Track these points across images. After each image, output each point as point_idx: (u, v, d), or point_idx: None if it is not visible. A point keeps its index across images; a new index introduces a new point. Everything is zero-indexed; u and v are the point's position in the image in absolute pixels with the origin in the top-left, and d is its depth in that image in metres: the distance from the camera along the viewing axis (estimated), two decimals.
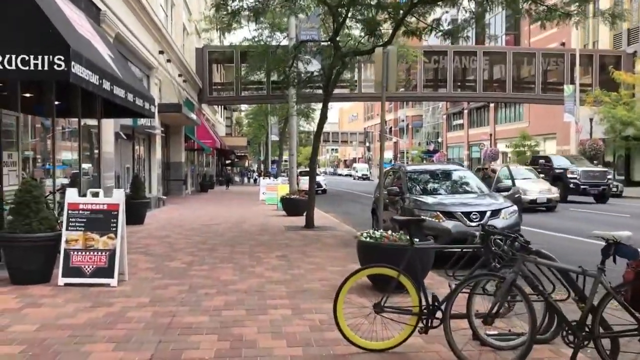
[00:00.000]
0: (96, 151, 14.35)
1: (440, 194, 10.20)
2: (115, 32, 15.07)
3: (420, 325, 4.50)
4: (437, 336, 4.64)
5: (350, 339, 4.52)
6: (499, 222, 9.04)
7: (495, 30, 59.56)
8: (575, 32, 42.64)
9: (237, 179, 62.04)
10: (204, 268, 8.32)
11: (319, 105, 46.40)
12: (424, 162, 75.24)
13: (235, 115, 74.33)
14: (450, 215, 9.07)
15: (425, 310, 4.50)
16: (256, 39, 25.58)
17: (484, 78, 40.17)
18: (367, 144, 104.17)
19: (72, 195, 7.00)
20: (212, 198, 28.77)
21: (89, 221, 6.93)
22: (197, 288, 6.92)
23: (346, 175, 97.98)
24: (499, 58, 40.08)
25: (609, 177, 26.15)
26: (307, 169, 40.74)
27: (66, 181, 12.27)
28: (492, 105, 60.14)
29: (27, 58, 7.02)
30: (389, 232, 7.04)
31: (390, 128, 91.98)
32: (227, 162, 61.62)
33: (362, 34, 13.44)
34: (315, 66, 15.49)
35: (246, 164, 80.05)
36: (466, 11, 12.84)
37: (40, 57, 7.05)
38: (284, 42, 22.90)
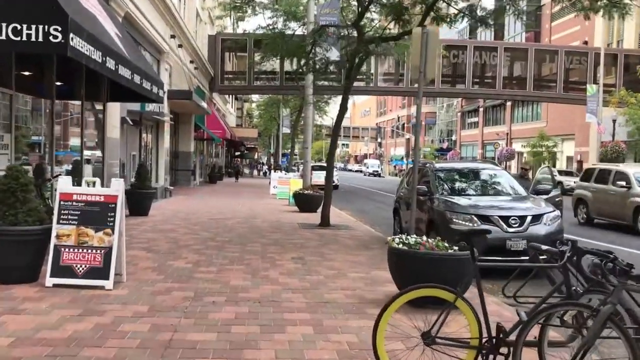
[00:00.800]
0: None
1: (473, 194, 9.26)
2: (124, 11, 14.22)
3: None
4: None
5: None
6: (541, 229, 8.13)
7: (515, 27, 58.29)
8: (599, 30, 41.42)
9: (246, 171, 61.25)
10: (211, 270, 7.46)
11: (333, 99, 45.60)
12: (435, 159, 74.21)
13: (247, 106, 73.54)
14: (485, 219, 8.14)
15: (486, 344, 3.61)
16: (270, 27, 24.79)
17: (503, 75, 39.01)
18: (379, 140, 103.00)
19: (64, 184, 6.15)
20: (220, 190, 27.96)
21: (83, 214, 6.08)
22: (203, 295, 6.06)
23: (356, 170, 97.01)
24: (520, 55, 38.92)
25: None
26: (320, 164, 40.00)
27: (65, 169, 11.46)
28: (508, 103, 58.88)
29: (19, 27, 6.19)
30: (424, 237, 6.13)
31: (403, 124, 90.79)
32: (237, 153, 60.87)
33: (387, 18, 12.46)
34: (334, 54, 14.56)
35: (256, 156, 79.26)
36: None
37: (34, 27, 6.21)
38: (299, 32, 21.96)
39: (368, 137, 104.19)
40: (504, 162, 52.35)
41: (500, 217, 8.11)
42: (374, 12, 14.14)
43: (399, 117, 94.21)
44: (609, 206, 15.52)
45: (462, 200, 8.76)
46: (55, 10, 6.28)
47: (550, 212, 8.37)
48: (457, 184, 9.61)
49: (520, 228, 8.03)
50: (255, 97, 65.98)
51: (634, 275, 3.34)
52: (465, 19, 12.44)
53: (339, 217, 15.82)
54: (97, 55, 7.26)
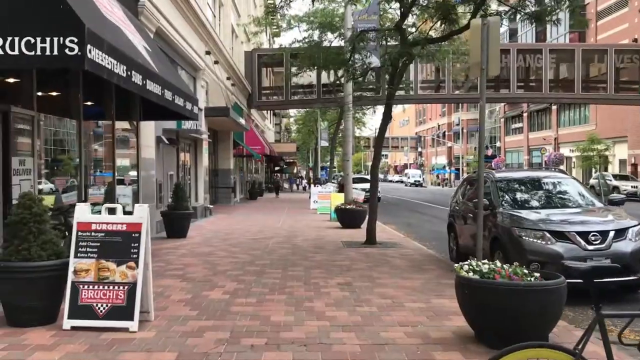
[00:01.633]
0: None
1: (542, 207, 8.20)
2: (155, 26, 13.75)
3: None
4: None
5: None
6: (626, 246, 7.04)
7: (557, 29, 56.36)
8: None
9: (285, 185, 60.77)
10: (250, 301, 6.66)
11: (372, 110, 44.59)
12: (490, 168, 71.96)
13: (285, 121, 73.39)
14: (560, 235, 7.10)
15: None
16: (307, 40, 24.17)
17: (549, 77, 37.38)
18: (419, 149, 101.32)
19: (82, 212, 5.46)
20: (261, 206, 27.35)
21: (103, 246, 5.38)
22: (240, 335, 5.25)
23: (397, 181, 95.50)
24: (566, 56, 37.23)
25: None
26: (359, 176, 39.04)
27: (98, 192, 10.92)
28: (554, 107, 56.83)
29: (32, 41, 5.58)
30: (497, 263, 5.18)
31: (444, 132, 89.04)
32: (276, 168, 60.53)
33: (432, 19, 11.56)
34: (374, 60, 13.72)
35: (295, 171, 78.86)
36: None
37: (48, 40, 5.59)
38: (336, 43, 21.21)
39: (408, 147, 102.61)
40: (553, 169, 50.36)
41: (578, 232, 7.06)
42: (415, 14, 13.22)
43: (439, 125, 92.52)
44: None
45: (531, 214, 7.72)
46: (71, 19, 5.65)
47: (635, 225, 7.26)
48: (522, 196, 8.55)
49: (602, 245, 6.97)
50: (292, 112, 65.82)
51: None
52: (517, 16, 11.40)
53: (384, 232, 14.89)
54: (120, 69, 6.62)
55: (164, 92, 8.78)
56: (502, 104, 68.52)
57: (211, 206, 21.46)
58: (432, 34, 12.08)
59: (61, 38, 5.60)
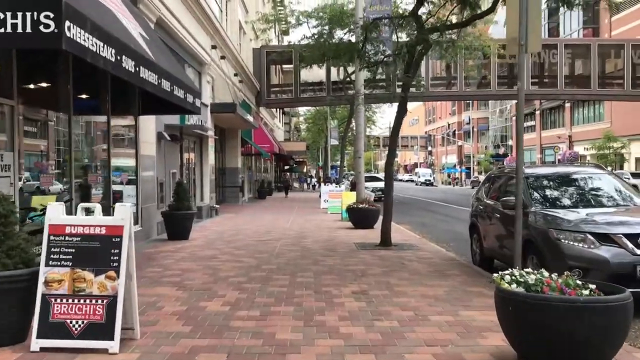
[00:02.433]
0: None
1: (581, 206, 7.32)
2: (156, 16, 12.99)
3: None
4: None
5: None
6: None
7: (571, 25, 55.22)
8: None
9: (295, 184, 59.99)
10: (252, 315, 5.85)
11: (384, 108, 43.71)
12: (491, 165, 70.81)
13: (294, 120, 72.66)
14: (605, 238, 6.24)
15: None
16: (316, 36, 23.34)
17: (564, 74, 36.31)
18: (429, 148, 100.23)
19: (54, 212, 4.68)
20: (270, 206, 26.57)
21: (78, 252, 4.60)
22: (239, 358, 4.45)
23: (407, 180, 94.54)
24: (581, 51, 36.18)
25: None
26: (370, 174, 38.11)
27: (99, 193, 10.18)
28: (567, 104, 55.66)
29: (1, 16, 4.82)
30: (544, 272, 4.33)
31: (454, 131, 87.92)
32: (286, 167, 59.82)
33: (451, 1, 10.71)
34: (387, 49, 12.90)
35: (305, 170, 78.13)
36: None
37: (20, 15, 4.83)
38: (346, 38, 20.39)
39: (417, 146, 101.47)
40: (588, 163, 49.26)
41: (625, 235, 6.18)
42: (431, 1, 12.35)
43: (449, 124, 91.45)
44: None
45: (568, 214, 6.84)
46: None
47: None
48: (556, 193, 7.65)
49: None
50: (302, 110, 65.06)
51: None
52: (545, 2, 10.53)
53: (399, 233, 14.04)
54: (108, 53, 5.85)
55: (161, 82, 8.02)
56: (514, 102, 67.40)
57: (217, 206, 20.71)
58: (453, 19, 11.22)
59: (35, 13, 4.85)
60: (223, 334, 5.11)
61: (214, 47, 20.18)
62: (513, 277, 4.27)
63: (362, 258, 9.82)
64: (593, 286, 4.18)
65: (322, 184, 30.16)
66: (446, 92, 37.83)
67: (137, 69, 6.83)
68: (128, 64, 6.49)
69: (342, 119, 44.90)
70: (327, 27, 23.45)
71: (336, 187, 23.80)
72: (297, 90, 34.80)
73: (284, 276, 8.06)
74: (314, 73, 33.84)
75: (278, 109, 48.91)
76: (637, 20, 43.84)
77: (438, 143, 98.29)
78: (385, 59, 11.90)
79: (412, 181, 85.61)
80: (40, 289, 4.54)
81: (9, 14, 4.85)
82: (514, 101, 65.32)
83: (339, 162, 39.15)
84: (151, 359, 4.40)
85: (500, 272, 4.42)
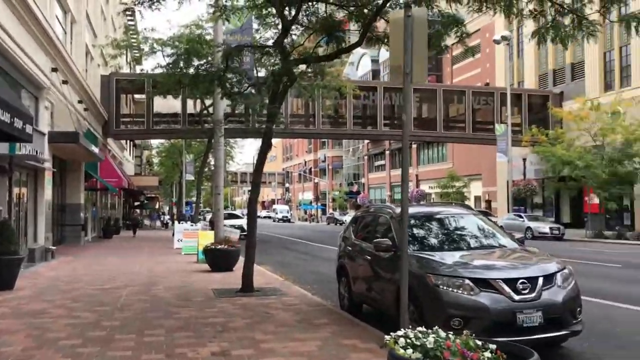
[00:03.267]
0: None
1: (453, 248, 7.00)
2: None
3: None
4: None
5: None
6: (557, 294, 5.99)
7: None
8: (500, 72, 42.37)
9: (147, 222, 56.58)
10: None
11: (239, 143, 42.99)
12: (345, 202, 73.08)
13: (146, 153, 69.25)
14: (484, 283, 5.92)
15: None
16: (171, 66, 22.10)
17: (414, 116, 38.44)
18: (287, 185, 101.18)
19: None
20: (116, 246, 24.28)
21: None
22: None
23: (265, 217, 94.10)
24: (428, 95, 38.67)
25: None
26: (228, 211, 36.89)
27: None
28: (414, 145, 59.19)
29: None
30: (440, 333, 3.75)
31: (310, 169, 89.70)
32: (136, 203, 56.36)
33: (316, 34, 10.35)
34: (250, 78, 12.23)
35: (157, 206, 74.49)
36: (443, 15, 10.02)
37: None
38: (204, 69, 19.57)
39: (275, 182, 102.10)
40: (454, 203, 52.09)
41: (505, 280, 5.91)
42: (295, 34, 11.95)
43: (305, 162, 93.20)
44: None
45: (445, 257, 6.48)
46: None
47: (562, 269, 6.28)
48: (429, 234, 7.31)
49: (532, 294, 5.86)
50: (155, 143, 62.17)
51: None
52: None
53: (260, 275, 13.14)
54: None
55: None
56: (366, 142, 70.34)
57: (54, 247, 18.30)
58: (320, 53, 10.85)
59: None
60: None
61: (54, 69, 18.16)
62: (408, 341, 3.62)
63: (222, 308, 8.79)
64: (493, 346, 3.67)
65: (176, 222, 28.40)
66: (305, 130, 38.23)
67: None
68: None
69: (199, 153, 43.45)
70: (184, 57, 22.37)
71: (191, 225, 22.39)
72: (149, 121, 32.96)
73: (128, 335, 6.80)
74: (168, 104, 32.29)
75: (128, 141, 46.15)
76: (475, 70, 48.12)
77: (295, 180, 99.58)
78: (249, 87, 11.16)
79: (270, 217, 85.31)
80: None
81: None
82: (366, 141, 68.34)
83: (194, 198, 37.51)
84: None
85: (392, 334, 3.76)
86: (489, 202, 47.56)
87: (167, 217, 59.11)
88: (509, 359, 3.60)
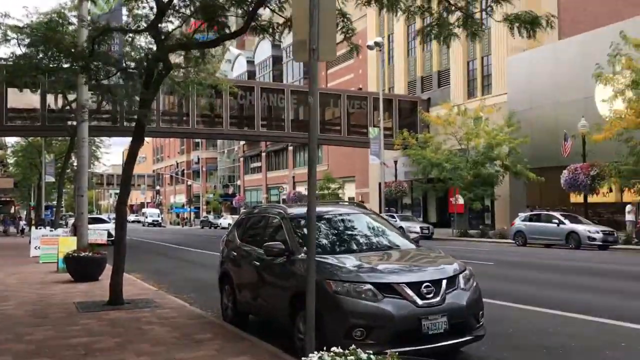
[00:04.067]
0: None
1: (354, 251, 6.52)
2: None
3: None
4: None
5: None
6: (461, 297, 5.69)
7: (293, 74, 59.48)
8: (372, 78, 43.64)
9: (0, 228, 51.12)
10: None
11: (105, 142, 40.35)
12: (220, 205, 71.22)
13: (0, 152, 62.83)
14: (387, 288, 5.49)
15: None
16: (29, 56, 19.81)
17: (291, 118, 38.31)
18: (157, 188, 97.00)
19: None
20: None
21: None
22: None
23: (133, 221, 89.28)
24: (305, 98, 38.55)
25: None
26: (93, 216, 34.22)
27: None
28: (290, 147, 59.27)
29: None
30: (361, 354, 3.20)
31: (183, 170, 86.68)
32: None
33: (194, 17, 9.48)
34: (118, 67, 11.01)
35: (12, 210, 67.86)
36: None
37: None
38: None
39: (145, 185, 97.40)
40: (349, 202, 52.21)
41: (408, 283, 5.52)
42: (171, 22, 10.93)
43: (177, 163, 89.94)
44: None
45: (345, 261, 5.96)
46: None
47: (463, 270, 6.02)
48: (324, 237, 6.75)
49: (437, 299, 5.52)
50: (10, 141, 56.52)
51: None
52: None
53: (130, 284, 11.93)
54: None
55: None
56: (242, 143, 69.29)
57: None
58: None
59: None
60: None
61: None
62: None
63: (86, 325, 7.64)
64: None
65: (34, 228, 25.66)
66: (179, 129, 36.62)
67: None
68: None
69: (60, 153, 39.97)
70: (43, 46, 20.19)
71: (51, 230, 20.23)
72: (3, 116, 29.75)
73: None
74: (25, 98, 29.22)
75: None
76: (348, 75, 49.14)
77: (166, 182, 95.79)
78: (118, 73, 9.96)
79: (139, 222, 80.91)
80: None
81: None
82: (242, 142, 67.29)
83: (55, 202, 34.35)
84: None
85: (311, 355, 3.14)
86: (362, 202, 48.81)
87: (23, 222, 53.89)
88: None
